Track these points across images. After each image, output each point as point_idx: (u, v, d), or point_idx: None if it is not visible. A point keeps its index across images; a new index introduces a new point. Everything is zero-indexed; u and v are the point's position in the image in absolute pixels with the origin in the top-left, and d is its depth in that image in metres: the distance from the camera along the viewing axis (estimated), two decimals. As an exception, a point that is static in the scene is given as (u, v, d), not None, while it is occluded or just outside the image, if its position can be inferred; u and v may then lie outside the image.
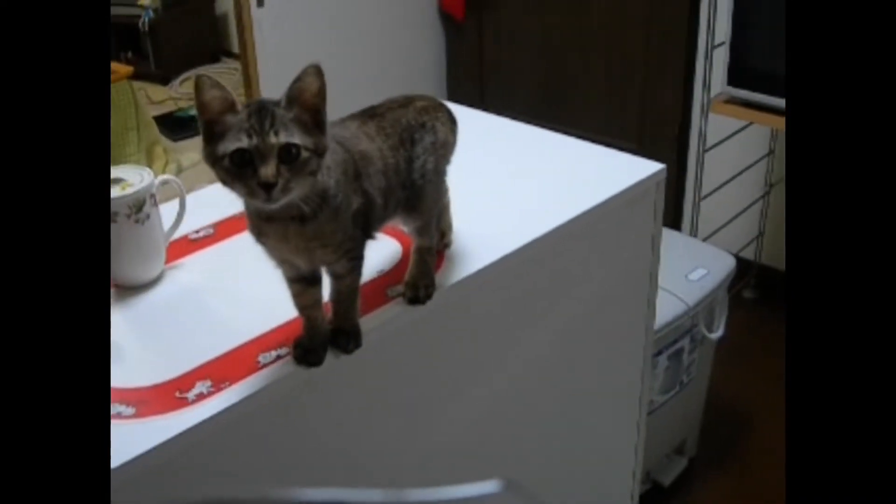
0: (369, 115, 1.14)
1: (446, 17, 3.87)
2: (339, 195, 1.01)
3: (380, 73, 3.75)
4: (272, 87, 3.18)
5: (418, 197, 1.15)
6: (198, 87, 0.94)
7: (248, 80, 3.23)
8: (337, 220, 1.02)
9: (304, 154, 0.95)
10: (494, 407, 1.41)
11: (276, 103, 0.96)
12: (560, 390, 1.54)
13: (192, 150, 4.17)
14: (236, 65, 5.17)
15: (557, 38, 3.58)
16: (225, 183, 0.97)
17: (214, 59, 5.43)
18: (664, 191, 1.55)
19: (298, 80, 0.95)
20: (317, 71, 0.95)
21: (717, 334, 2.40)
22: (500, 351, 1.38)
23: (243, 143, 0.93)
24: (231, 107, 0.95)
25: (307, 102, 0.96)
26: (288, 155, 0.94)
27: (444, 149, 1.20)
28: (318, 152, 0.97)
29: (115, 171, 1.26)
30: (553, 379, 1.51)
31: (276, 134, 0.93)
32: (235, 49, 5.27)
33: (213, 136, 0.96)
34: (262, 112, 0.94)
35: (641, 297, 1.63)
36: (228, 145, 0.94)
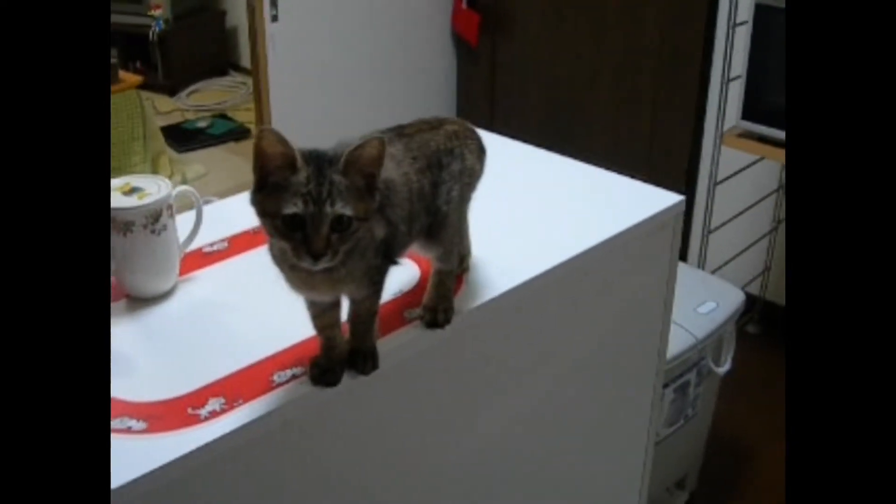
0: (397, 133, 1.12)
1: (459, 41, 3.87)
2: (366, 236, 1.00)
3: (391, 94, 3.75)
4: (282, 102, 3.18)
5: (441, 224, 1.13)
6: (262, 138, 0.93)
7: (259, 95, 3.22)
8: (363, 257, 1.01)
9: (355, 224, 0.95)
10: (505, 433, 1.39)
11: (333, 161, 0.94)
12: (570, 419, 1.52)
13: (197, 161, 4.17)
14: (244, 78, 5.20)
15: (569, 66, 3.58)
16: (270, 235, 0.97)
17: (223, 72, 5.45)
18: (682, 223, 1.54)
19: (361, 147, 0.94)
20: (381, 143, 0.95)
21: (723, 369, 2.38)
22: (513, 378, 1.36)
23: (299, 209, 0.92)
24: (291, 164, 0.94)
25: (364, 170, 0.96)
26: (339, 224, 0.94)
27: (471, 177, 1.18)
28: (366, 218, 0.96)
29: (133, 181, 1.25)
30: (564, 408, 1.49)
31: (333, 204, 0.93)
32: (244, 63, 5.31)
33: (265, 186, 0.95)
34: (320, 177, 0.93)
35: (654, 330, 1.61)
36: (284, 207, 0.93)
